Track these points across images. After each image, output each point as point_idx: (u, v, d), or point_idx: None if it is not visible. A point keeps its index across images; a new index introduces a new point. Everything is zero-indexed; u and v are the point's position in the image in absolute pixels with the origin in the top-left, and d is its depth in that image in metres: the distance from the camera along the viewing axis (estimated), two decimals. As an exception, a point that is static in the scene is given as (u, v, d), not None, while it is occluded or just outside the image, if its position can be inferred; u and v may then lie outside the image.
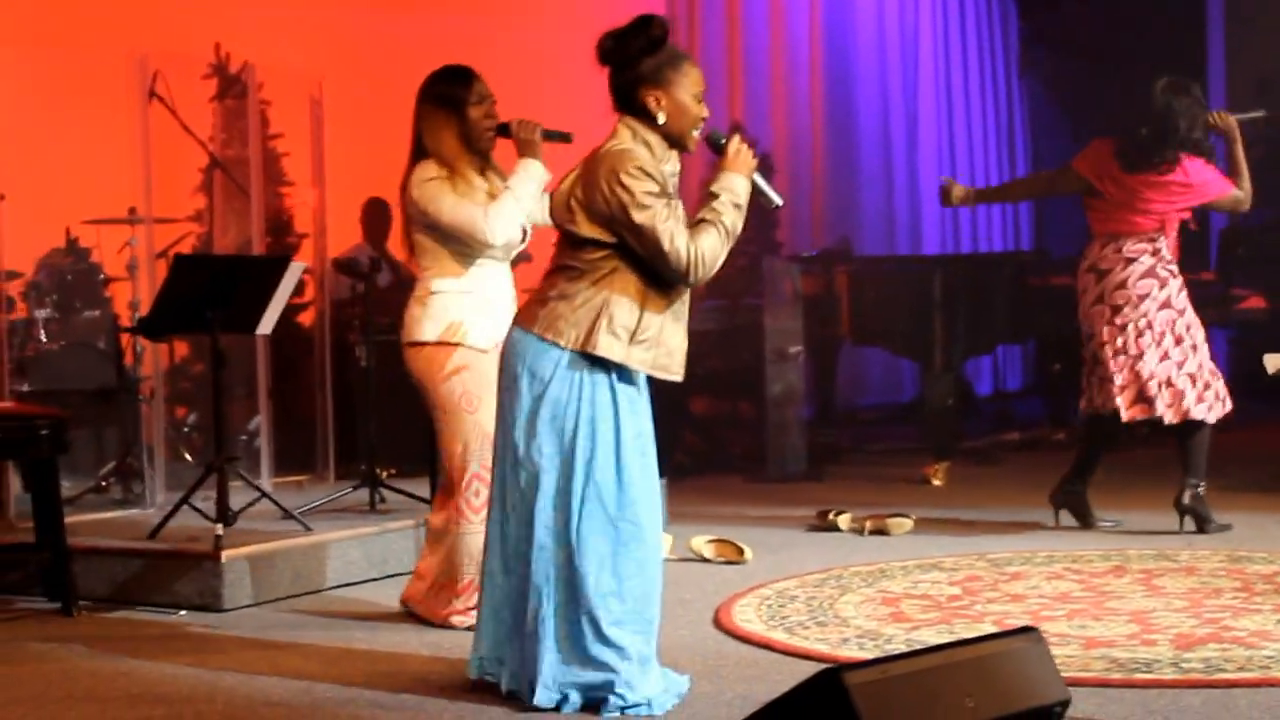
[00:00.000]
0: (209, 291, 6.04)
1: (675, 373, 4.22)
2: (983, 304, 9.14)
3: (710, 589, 5.77)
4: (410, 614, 5.37)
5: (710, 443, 9.93)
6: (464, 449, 5.14)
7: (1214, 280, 10.34)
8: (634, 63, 4.13)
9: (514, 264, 5.41)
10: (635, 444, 4.15)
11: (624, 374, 4.15)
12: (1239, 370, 11.16)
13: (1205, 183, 6.74)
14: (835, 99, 13.17)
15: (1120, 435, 7.05)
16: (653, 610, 4.18)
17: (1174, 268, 6.73)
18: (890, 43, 13.69)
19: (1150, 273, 6.68)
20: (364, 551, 6.17)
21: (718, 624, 5.20)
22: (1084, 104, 13.91)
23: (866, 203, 13.41)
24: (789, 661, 4.64)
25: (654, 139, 4.15)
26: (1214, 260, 10.96)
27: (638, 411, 4.19)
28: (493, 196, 5.20)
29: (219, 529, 5.80)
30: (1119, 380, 6.67)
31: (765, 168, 4.38)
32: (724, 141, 4.25)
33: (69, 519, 5.88)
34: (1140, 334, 6.66)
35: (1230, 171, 6.80)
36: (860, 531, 6.97)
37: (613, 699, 4.07)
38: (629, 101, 4.16)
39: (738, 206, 4.16)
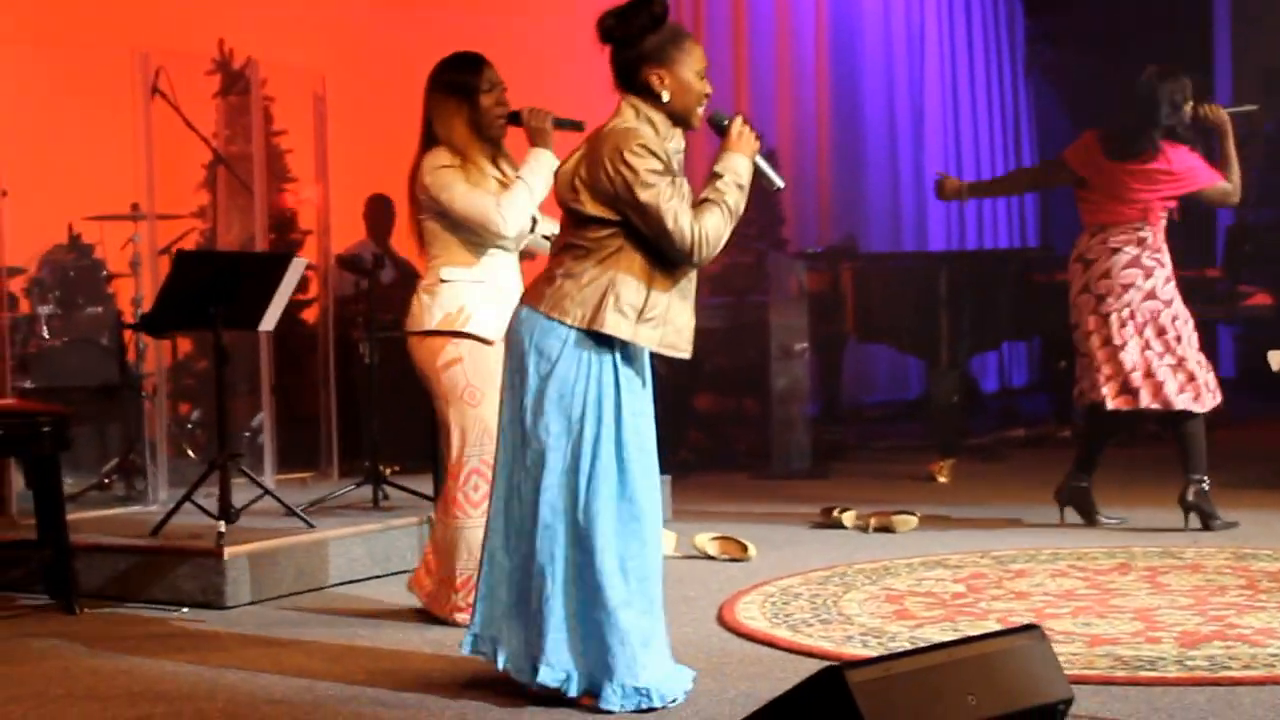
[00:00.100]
0: (212, 288, 6.03)
1: (684, 350, 4.21)
2: (988, 300, 9.12)
3: (714, 586, 5.76)
4: (420, 611, 5.35)
5: (715, 439, 9.93)
6: (463, 443, 5.12)
7: (1220, 277, 10.33)
8: (636, 41, 4.12)
9: (523, 258, 5.37)
10: (633, 423, 4.14)
11: (626, 353, 4.15)
12: (1244, 366, 11.14)
13: (1190, 170, 6.69)
14: (841, 96, 13.15)
15: (1121, 428, 7.03)
16: (656, 588, 4.17)
17: (1161, 258, 6.69)
18: (896, 40, 13.67)
19: (1134, 263, 6.65)
20: (367, 549, 6.16)
21: (721, 621, 5.18)
22: (1089, 100, 13.87)
23: (872, 199, 13.40)
24: (792, 659, 4.63)
25: (658, 117, 4.13)
26: (1220, 257, 10.95)
27: (635, 390, 4.18)
28: (504, 185, 5.17)
29: (221, 526, 5.79)
30: (1105, 370, 6.66)
31: (768, 152, 4.36)
32: (726, 123, 4.24)
33: (71, 516, 5.87)
34: (1123, 324, 6.65)
35: (1220, 164, 6.76)
36: (865, 529, 6.96)
37: (613, 683, 4.05)
38: (632, 80, 4.15)
39: (740, 187, 4.16)
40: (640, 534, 4.12)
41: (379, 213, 9.34)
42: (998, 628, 4.62)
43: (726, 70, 11.96)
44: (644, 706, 4.07)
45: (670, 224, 4.04)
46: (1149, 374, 6.62)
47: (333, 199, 7.91)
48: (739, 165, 4.18)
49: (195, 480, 6.16)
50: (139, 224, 7.36)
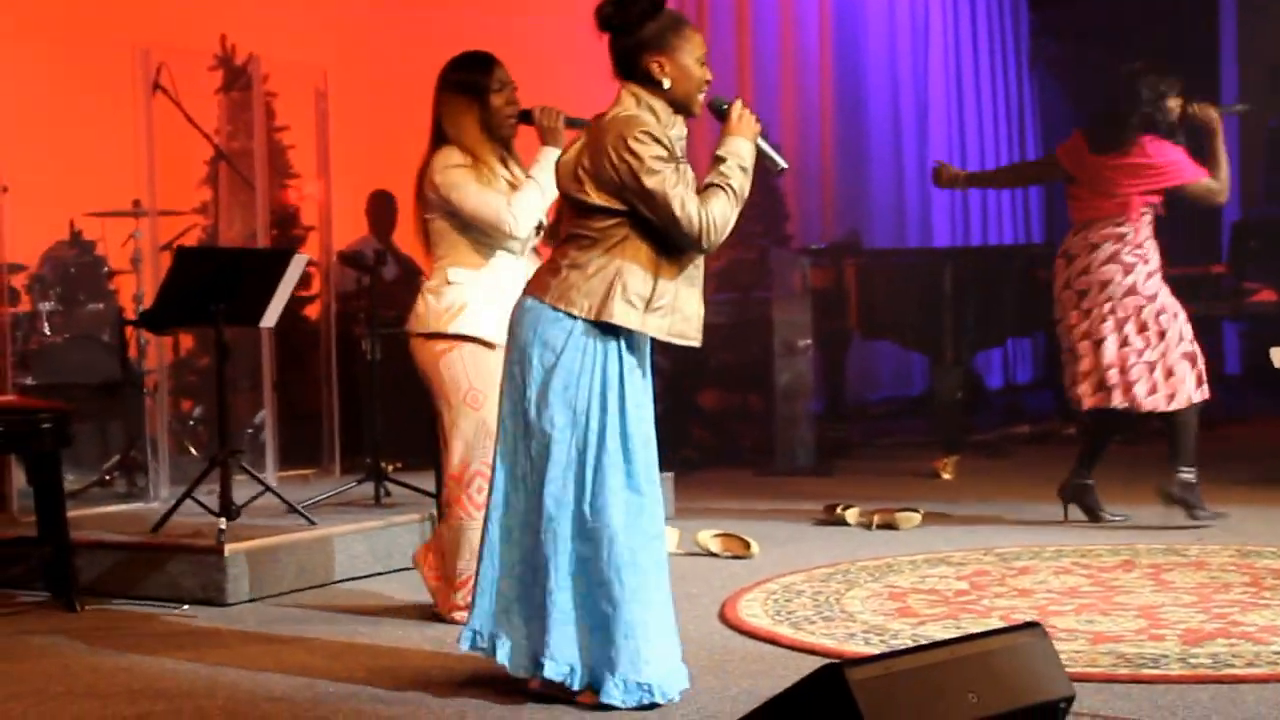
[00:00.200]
0: (213, 284, 6.02)
1: (693, 338, 4.19)
2: (993, 296, 9.11)
3: (716, 583, 5.74)
4: (420, 608, 5.34)
5: (719, 436, 9.92)
6: (466, 446, 5.10)
7: (1226, 273, 10.31)
8: (635, 28, 4.10)
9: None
10: (637, 414, 4.13)
11: (630, 343, 4.13)
12: (1250, 363, 11.12)
13: (1172, 164, 6.65)
14: (845, 91, 13.13)
15: (1125, 425, 7.01)
16: (664, 580, 4.16)
17: (1143, 253, 6.65)
18: (901, 34, 13.65)
19: (1114, 258, 6.63)
20: (368, 546, 6.15)
21: (723, 619, 5.17)
22: (1094, 95, 13.83)
23: (876, 195, 13.38)
24: (795, 656, 4.62)
25: (659, 104, 4.12)
26: (1225, 253, 10.93)
27: (637, 381, 4.16)
28: (513, 186, 5.15)
29: (222, 523, 5.79)
30: (1083, 366, 6.65)
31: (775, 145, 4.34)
32: (726, 107, 4.22)
33: (72, 513, 5.86)
34: (1103, 320, 6.63)
35: (1208, 162, 6.72)
36: (868, 526, 6.94)
37: (615, 677, 4.03)
38: (631, 68, 4.13)
39: (744, 170, 4.14)
40: (647, 526, 4.11)
41: (381, 209, 9.33)
42: (1000, 625, 4.60)
43: (730, 63, 11.94)
44: (645, 702, 4.05)
45: (678, 210, 4.02)
46: (1124, 371, 6.59)
47: (334, 195, 7.90)
48: (741, 148, 4.16)
49: (196, 477, 6.17)
50: (140, 220, 7.36)
